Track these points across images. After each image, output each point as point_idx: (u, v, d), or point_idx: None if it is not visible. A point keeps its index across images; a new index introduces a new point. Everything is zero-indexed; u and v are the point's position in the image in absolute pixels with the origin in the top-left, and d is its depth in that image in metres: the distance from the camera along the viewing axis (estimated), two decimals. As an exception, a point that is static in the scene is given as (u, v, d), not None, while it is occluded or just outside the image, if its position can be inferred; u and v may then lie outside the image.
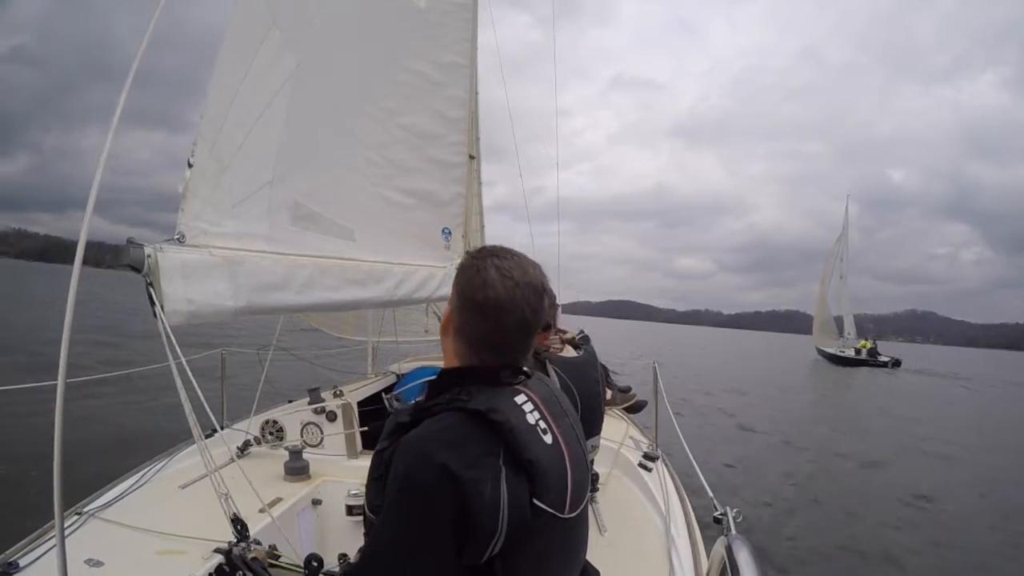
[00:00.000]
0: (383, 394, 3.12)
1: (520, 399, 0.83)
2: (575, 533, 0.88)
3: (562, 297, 4.06)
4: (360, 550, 0.84)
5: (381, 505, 0.78)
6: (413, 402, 0.88)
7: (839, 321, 32.90)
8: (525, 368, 0.90)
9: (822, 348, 31.15)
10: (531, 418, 0.81)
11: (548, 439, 0.81)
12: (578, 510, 0.85)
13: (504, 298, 0.81)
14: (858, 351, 29.26)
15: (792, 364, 28.87)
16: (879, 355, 28.61)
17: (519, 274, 0.83)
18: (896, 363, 27.88)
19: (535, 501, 0.76)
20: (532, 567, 0.79)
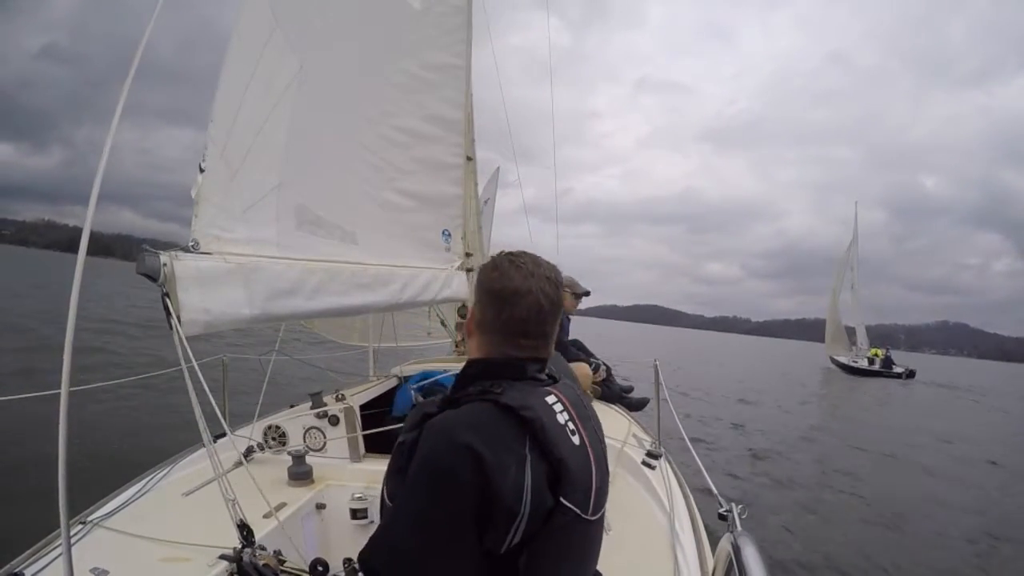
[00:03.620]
0: (409, 388, 3.12)
1: (551, 399, 0.85)
2: (594, 536, 0.90)
3: (586, 300, 4.10)
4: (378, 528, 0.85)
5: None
6: (440, 396, 0.91)
7: (851, 331, 32.37)
8: (551, 371, 0.94)
9: (835, 358, 30.82)
10: (561, 418, 0.84)
11: (576, 440, 0.84)
12: (599, 513, 0.87)
13: (520, 285, 0.88)
14: (871, 360, 28.85)
15: (803, 374, 28.24)
16: (893, 365, 28.25)
17: (532, 266, 0.90)
18: (910, 374, 27.53)
19: (562, 500, 0.78)
20: (554, 565, 0.81)
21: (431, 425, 0.80)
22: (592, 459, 0.86)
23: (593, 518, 0.84)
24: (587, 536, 0.86)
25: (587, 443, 0.86)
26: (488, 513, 0.74)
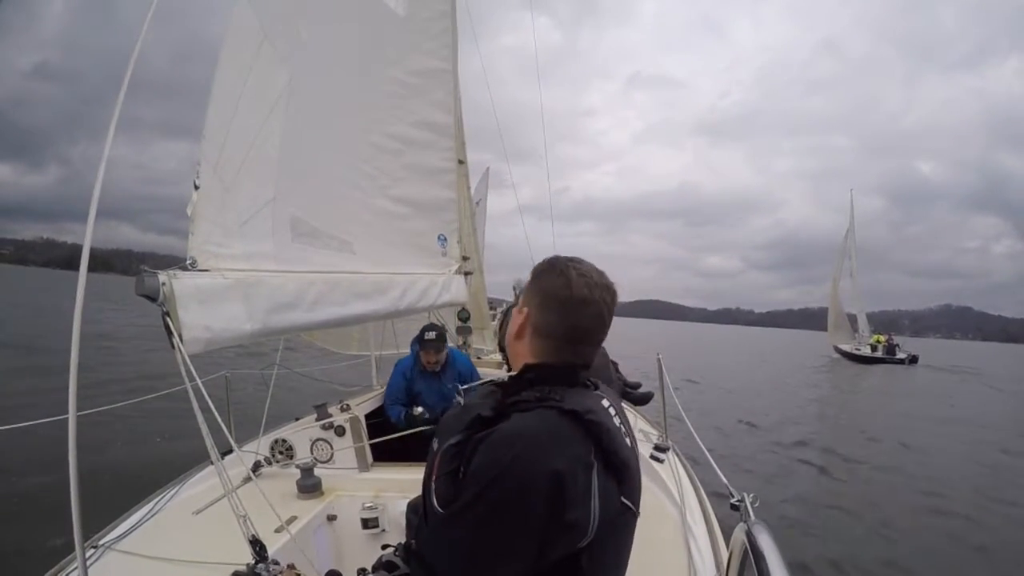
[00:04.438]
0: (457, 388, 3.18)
1: (605, 403, 0.87)
2: (635, 529, 0.93)
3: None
4: (427, 536, 0.85)
5: (455, 498, 0.78)
6: (490, 398, 0.90)
7: (852, 319, 32.58)
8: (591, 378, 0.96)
9: (839, 346, 31.00)
10: (616, 421, 0.86)
11: (628, 442, 0.87)
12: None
13: (586, 296, 0.89)
14: (874, 347, 28.95)
15: (807, 364, 28.08)
16: (897, 349, 28.41)
17: (596, 276, 0.92)
18: (913, 359, 27.71)
19: (623, 499, 0.81)
20: (611, 561, 0.84)
21: (503, 436, 0.77)
22: (637, 459, 0.89)
23: (639, 513, 0.88)
24: (632, 530, 0.90)
25: (634, 444, 0.89)
26: (557, 526, 0.74)
